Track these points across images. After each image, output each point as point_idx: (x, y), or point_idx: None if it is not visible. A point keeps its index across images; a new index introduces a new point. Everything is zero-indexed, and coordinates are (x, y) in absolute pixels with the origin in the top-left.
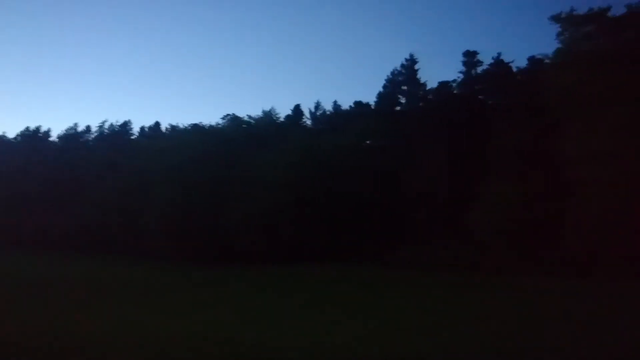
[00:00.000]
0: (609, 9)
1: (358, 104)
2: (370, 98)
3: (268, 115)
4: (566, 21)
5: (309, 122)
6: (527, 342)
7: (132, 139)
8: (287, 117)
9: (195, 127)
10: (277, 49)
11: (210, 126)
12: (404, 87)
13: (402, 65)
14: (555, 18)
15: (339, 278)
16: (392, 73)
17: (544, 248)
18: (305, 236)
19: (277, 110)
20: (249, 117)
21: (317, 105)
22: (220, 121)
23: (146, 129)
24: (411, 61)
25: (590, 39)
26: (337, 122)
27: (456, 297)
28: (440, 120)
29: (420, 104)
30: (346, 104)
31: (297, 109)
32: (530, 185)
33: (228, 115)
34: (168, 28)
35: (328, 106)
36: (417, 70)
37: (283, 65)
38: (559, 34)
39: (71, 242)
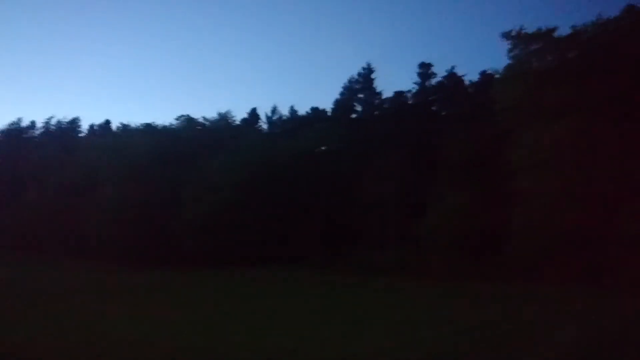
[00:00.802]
0: (555, 29)
1: (315, 109)
2: (327, 104)
3: (223, 118)
4: (516, 39)
5: (265, 126)
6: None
7: (81, 137)
8: (243, 120)
9: (148, 126)
10: (234, 52)
11: (164, 127)
12: (361, 95)
13: (359, 74)
14: (506, 35)
15: (273, 281)
16: (349, 81)
17: (492, 254)
18: (257, 239)
19: (233, 113)
20: (204, 118)
21: (274, 110)
22: (174, 122)
23: (96, 127)
24: (368, 70)
25: (537, 57)
26: (293, 126)
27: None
28: (394, 128)
29: (376, 113)
30: (303, 109)
31: (253, 113)
32: (479, 193)
33: (182, 116)
34: (121, 25)
35: (285, 111)
36: (373, 79)
37: (240, 68)
38: (509, 51)
39: (12, 241)
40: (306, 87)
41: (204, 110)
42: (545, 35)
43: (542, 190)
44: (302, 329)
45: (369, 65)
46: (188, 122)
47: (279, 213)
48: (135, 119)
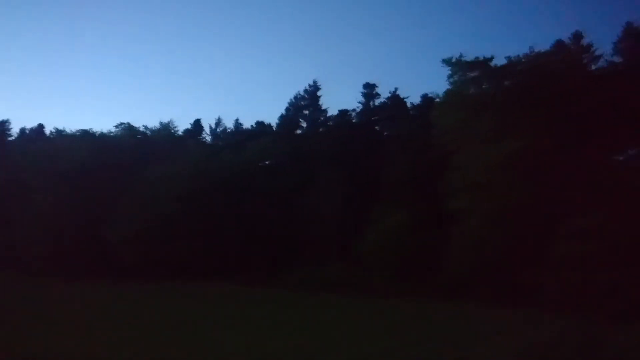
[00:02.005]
0: (492, 58)
1: (260, 123)
2: (272, 119)
3: (166, 128)
4: (455, 65)
5: (208, 137)
6: None
7: (10, 141)
8: (187, 131)
9: (85, 133)
10: (180, 62)
11: (102, 134)
12: (306, 112)
13: (306, 91)
14: (447, 61)
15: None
16: (296, 97)
17: (430, 273)
18: (197, 253)
19: (176, 124)
20: (145, 127)
21: (218, 122)
22: (114, 129)
23: (27, 131)
24: (314, 87)
25: (475, 84)
26: (238, 140)
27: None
28: (338, 146)
29: (321, 130)
30: (248, 122)
31: (197, 124)
32: (419, 213)
33: (122, 124)
34: (57, 27)
35: (230, 123)
36: (319, 96)
37: (186, 78)
38: (449, 76)
39: None
40: (252, 101)
41: (146, 119)
42: (482, 64)
43: (477, 211)
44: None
45: (315, 82)
46: (128, 130)
47: (221, 227)
48: (72, 125)
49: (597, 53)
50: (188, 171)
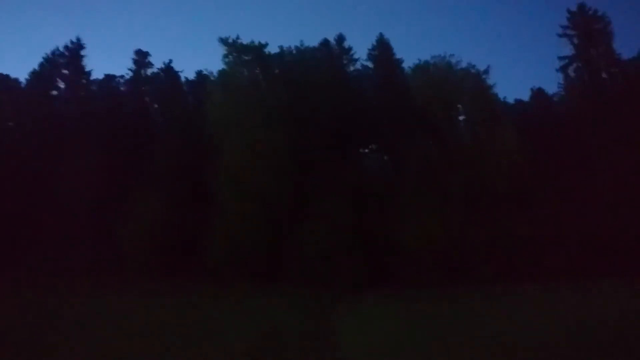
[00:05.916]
0: (266, 45)
1: (4, 77)
2: (20, 73)
3: None
4: (231, 46)
5: None
6: None
7: None
8: None
9: None
10: None
11: None
12: (65, 71)
13: (66, 47)
14: (223, 41)
15: None
16: (53, 53)
17: (188, 256)
18: None
19: None
20: None
21: None
22: None
23: None
24: (77, 45)
25: (248, 67)
26: None
27: None
28: (101, 114)
29: (82, 93)
30: None
31: None
32: (181, 197)
33: None
34: None
35: None
36: (82, 56)
37: None
38: (224, 56)
39: None
40: None
41: None
42: (256, 49)
43: (235, 197)
44: None
45: (78, 40)
46: None
47: None
48: None
49: (354, 57)
50: None
